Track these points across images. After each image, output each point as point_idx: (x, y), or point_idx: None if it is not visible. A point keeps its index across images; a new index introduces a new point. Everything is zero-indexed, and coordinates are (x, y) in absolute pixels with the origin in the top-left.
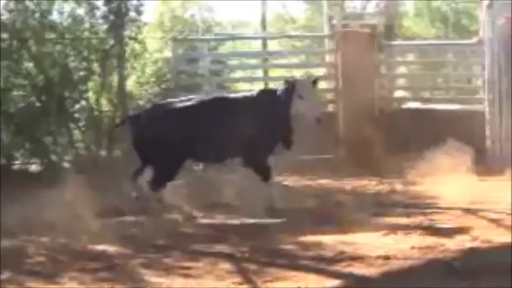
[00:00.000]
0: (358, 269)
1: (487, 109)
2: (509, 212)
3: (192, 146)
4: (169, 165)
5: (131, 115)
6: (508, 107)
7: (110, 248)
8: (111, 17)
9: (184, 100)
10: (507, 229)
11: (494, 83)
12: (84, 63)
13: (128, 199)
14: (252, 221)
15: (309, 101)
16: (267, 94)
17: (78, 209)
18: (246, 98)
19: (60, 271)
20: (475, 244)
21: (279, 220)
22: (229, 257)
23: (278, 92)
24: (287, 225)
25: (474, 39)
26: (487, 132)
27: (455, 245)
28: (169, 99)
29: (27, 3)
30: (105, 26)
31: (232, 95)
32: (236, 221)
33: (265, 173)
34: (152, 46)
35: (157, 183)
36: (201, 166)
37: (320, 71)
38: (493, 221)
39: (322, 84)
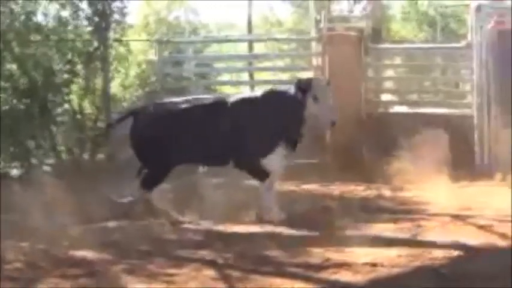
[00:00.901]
0: (344, 277)
1: (475, 113)
2: (498, 218)
3: (190, 149)
4: (162, 167)
5: (134, 112)
6: (496, 112)
7: (91, 254)
8: (96, 19)
9: (185, 100)
10: (496, 236)
11: (483, 87)
12: (68, 66)
13: (111, 203)
14: (238, 227)
15: (324, 103)
16: (272, 95)
17: (59, 213)
18: (245, 100)
19: (40, 277)
20: (463, 251)
21: (265, 226)
22: (213, 264)
23: (287, 93)
24: (273, 231)
25: (462, 43)
26: (476, 137)
27: (443, 252)
28: (172, 99)
29: (12, 5)
30: (89, 28)
31: (232, 97)
32: (221, 227)
33: (259, 174)
34: (137, 48)
35: (148, 184)
36: (206, 168)
37: (306, 75)
38: (481, 227)
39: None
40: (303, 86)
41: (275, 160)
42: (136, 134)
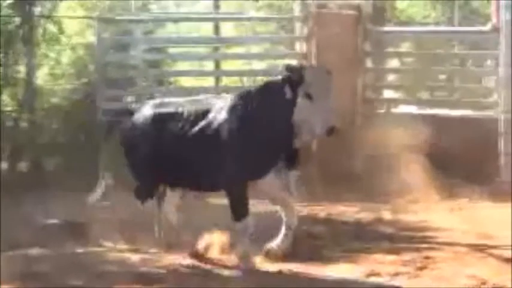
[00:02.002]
0: None
1: (501, 116)
2: None
3: (176, 170)
4: (149, 183)
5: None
6: None
7: None
8: None
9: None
10: None
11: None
12: None
13: (35, 226)
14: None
15: (321, 102)
16: (254, 93)
17: None
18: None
19: None
20: None
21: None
22: None
23: (273, 89)
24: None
25: (487, 26)
26: (501, 146)
27: None
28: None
29: None
30: (8, 1)
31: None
32: (174, 256)
33: (237, 208)
34: (71, 28)
35: (139, 194)
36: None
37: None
38: (506, 261)
39: None
40: (293, 78)
41: (264, 185)
42: (127, 141)
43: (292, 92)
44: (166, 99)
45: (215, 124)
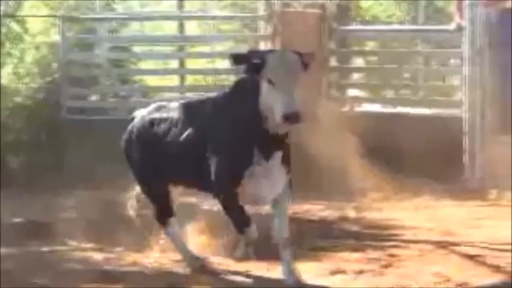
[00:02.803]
0: None
1: (465, 115)
2: (491, 247)
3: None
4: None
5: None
6: (492, 113)
7: None
8: None
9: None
10: (487, 268)
11: (476, 82)
12: None
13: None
14: (161, 253)
15: (282, 86)
16: (232, 88)
17: None
18: (209, 100)
19: None
20: (448, 287)
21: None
22: None
23: (243, 82)
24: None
25: (452, 25)
26: (465, 145)
27: (422, 287)
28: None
29: None
30: None
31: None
32: (140, 255)
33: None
34: (35, 27)
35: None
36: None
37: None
38: (469, 258)
39: None
40: (255, 62)
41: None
42: (127, 142)
43: (256, 77)
44: (164, 103)
45: (198, 130)
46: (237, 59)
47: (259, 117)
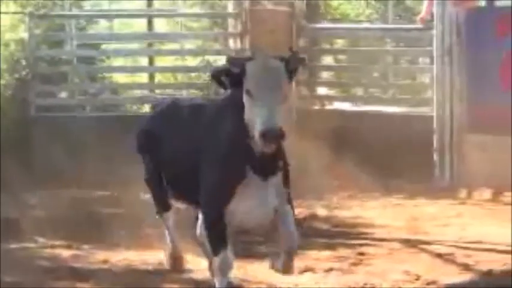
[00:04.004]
0: None
1: (435, 113)
2: (460, 245)
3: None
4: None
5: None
6: (462, 111)
7: None
8: None
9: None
10: (456, 267)
11: (445, 80)
12: None
13: None
14: (129, 251)
15: (260, 99)
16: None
17: None
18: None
19: None
20: (415, 286)
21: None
22: None
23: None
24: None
25: (421, 24)
26: (435, 143)
27: (390, 285)
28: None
29: None
30: None
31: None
32: (110, 253)
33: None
34: (4, 23)
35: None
36: None
37: (222, 60)
38: (439, 256)
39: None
40: (235, 74)
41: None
42: (139, 135)
43: (236, 88)
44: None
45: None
46: (217, 75)
47: (246, 133)
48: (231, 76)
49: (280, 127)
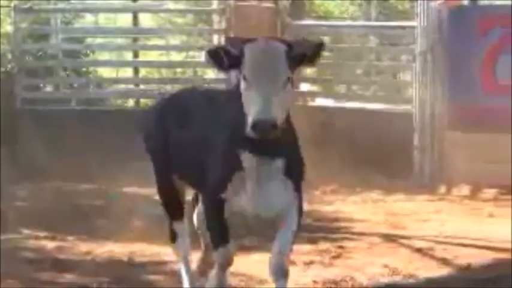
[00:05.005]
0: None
1: (416, 110)
2: (439, 240)
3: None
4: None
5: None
6: (442, 109)
7: None
8: None
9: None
10: (435, 261)
11: (427, 78)
12: None
13: None
14: (113, 243)
15: (255, 86)
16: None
17: None
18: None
19: None
20: (394, 279)
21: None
22: None
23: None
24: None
25: (404, 22)
26: (416, 140)
27: (369, 279)
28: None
29: None
30: None
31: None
32: (94, 244)
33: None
34: None
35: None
36: None
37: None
38: (418, 251)
39: (209, 73)
40: (233, 55)
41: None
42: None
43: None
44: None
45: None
46: (214, 53)
47: (244, 120)
48: (229, 57)
49: (274, 118)
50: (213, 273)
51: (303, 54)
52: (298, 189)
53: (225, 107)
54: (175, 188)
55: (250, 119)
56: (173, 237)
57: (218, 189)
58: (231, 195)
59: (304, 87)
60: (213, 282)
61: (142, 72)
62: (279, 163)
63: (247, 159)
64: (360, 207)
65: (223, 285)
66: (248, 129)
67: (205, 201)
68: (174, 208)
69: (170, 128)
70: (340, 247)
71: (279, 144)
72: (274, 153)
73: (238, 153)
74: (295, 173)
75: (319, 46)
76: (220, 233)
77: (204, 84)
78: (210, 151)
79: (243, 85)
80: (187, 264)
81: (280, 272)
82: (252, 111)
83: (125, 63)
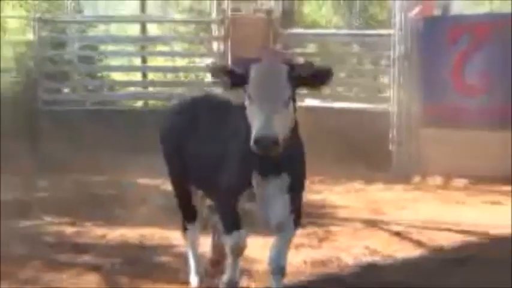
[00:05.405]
0: (245, 283)
1: (393, 109)
2: (414, 225)
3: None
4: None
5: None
6: (417, 109)
7: None
8: None
9: None
10: (411, 244)
11: (403, 80)
12: None
13: None
14: (125, 228)
15: (258, 104)
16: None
17: None
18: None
19: None
20: (374, 259)
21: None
22: (97, 269)
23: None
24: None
25: (382, 30)
26: (393, 135)
27: (353, 259)
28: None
29: None
30: None
31: None
32: (108, 229)
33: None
34: (14, 27)
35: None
36: None
37: (207, 61)
38: (396, 234)
39: (209, 77)
40: (239, 74)
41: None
42: (161, 130)
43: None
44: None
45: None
46: (215, 71)
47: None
48: (234, 76)
49: (275, 135)
50: (227, 263)
51: (304, 76)
52: (299, 199)
53: (238, 121)
54: (188, 192)
55: (252, 135)
56: (185, 228)
57: (230, 200)
58: (241, 204)
59: None
60: (227, 273)
61: (150, 76)
62: (285, 180)
63: (255, 177)
64: (344, 196)
65: (235, 277)
66: (251, 145)
67: (220, 210)
68: (187, 210)
69: (185, 136)
70: (327, 231)
71: (285, 161)
72: (281, 170)
73: (249, 171)
74: (298, 187)
75: (323, 72)
76: (233, 220)
77: (205, 88)
78: (223, 165)
79: (247, 102)
80: (194, 249)
81: (278, 270)
82: (254, 128)
83: (134, 68)
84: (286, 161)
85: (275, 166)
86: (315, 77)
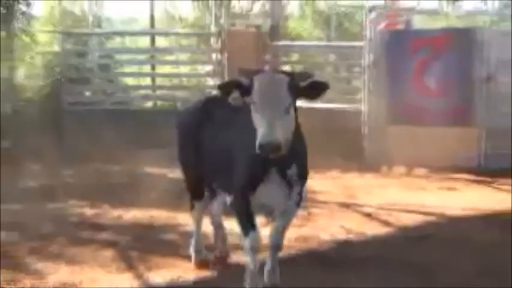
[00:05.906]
0: (238, 259)
1: (366, 109)
2: (382, 207)
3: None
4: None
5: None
6: (385, 107)
7: None
8: (1, 10)
9: None
10: (379, 223)
11: (373, 84)
12: None
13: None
14: (137, 210)
15: (262, 111)
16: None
17: None
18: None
19: None
20: (349, 237)
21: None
22: (113, 245)
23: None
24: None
25: (355, 42)
26: (365, 131)
27: (331, 236)
28: None
29: None
30: None
31: None
32: (122, 211)
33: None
34: (43, 40)
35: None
36: None
37: (207, 68)
38: (366, 215)
39: (209, 81)
40: (245, 85)
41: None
42: (180, 123)
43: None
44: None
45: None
46: (225, 87)
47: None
48: (242, 87)
49: (277, 140)
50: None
51: (303, 86)
52: (302, 188)
53: (249, 119)
54: (197, 175)
55: (257, 142)
56: (192, 207)
57: (245, 189)
58: (257, 192)
59: None
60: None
61: (158, 80)
62: (294, 170)
63: (267, 171)
64: (323, 182)
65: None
66: (256, 148)
67: (235, 200)
68: (195, 190)
69: (202, 129)
70: (309, 213)
71: (293, 155)
72: (290, 163)
73: (263, 163)
74: (302, 178)
75: (320, 85)
76: (248, 222)
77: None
78: (240, 157)
79: (252, 110)
80: (198, 226)
81: (276, 246)
82: (258, 134)
83: (144, 74)
84: (294, 155)
85: (284, 161)
86: (313, 89)
